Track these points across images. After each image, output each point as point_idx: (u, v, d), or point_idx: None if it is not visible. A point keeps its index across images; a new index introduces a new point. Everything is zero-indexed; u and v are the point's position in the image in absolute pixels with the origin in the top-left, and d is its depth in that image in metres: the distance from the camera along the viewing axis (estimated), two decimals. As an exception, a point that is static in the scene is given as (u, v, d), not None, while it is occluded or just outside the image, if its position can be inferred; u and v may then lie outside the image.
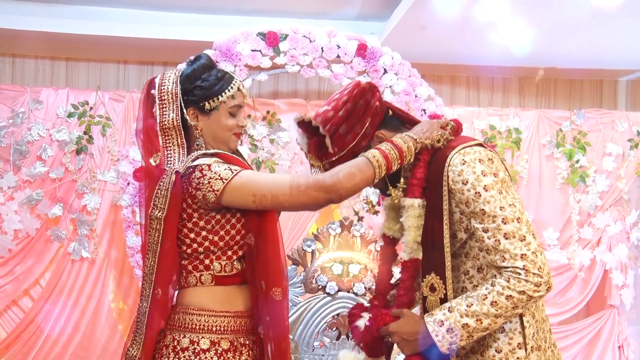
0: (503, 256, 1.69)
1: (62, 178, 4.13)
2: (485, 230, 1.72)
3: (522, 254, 1.67)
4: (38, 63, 4.49)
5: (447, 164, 1.78)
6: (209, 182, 1.77)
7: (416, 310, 1.94)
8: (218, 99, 1.89)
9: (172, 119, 1.87)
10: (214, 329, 1.82)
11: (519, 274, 1.67)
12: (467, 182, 1.74)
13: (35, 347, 4.05)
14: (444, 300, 1.78)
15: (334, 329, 3.68)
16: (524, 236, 1.69)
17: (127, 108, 4.22)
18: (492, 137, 4.39)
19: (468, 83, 4.74)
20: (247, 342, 1.87)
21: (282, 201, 1.78)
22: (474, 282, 1.80)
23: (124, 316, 4.24)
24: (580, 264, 4.45)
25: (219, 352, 1.81)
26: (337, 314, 3.67)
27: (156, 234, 1.83)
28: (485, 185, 1.73)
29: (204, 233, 1.83)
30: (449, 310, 1.72)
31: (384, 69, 3.90)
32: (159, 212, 1.82)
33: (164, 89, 1.90)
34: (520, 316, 1.77)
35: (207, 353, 1.80)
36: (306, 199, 1.77)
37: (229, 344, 1.83)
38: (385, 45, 3.94)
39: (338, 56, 3.88)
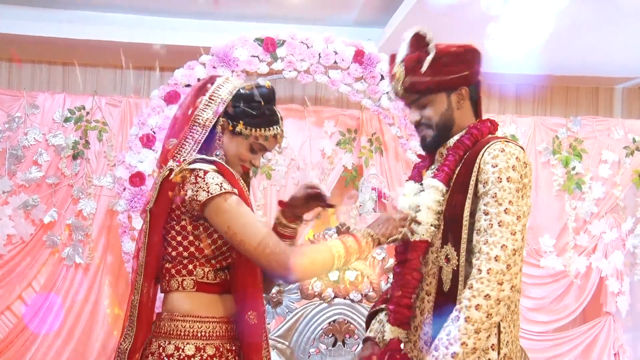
0: (487, 240, 1.74)
1: (58, 183, 4.12)
2: (486, 213, 1.77)
3: (503, 245, 1.72)
4: (35, 67, 4.48)
5: (487, 146, 1.84)
6: (197, 191, 1.78)
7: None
8: (250, 129, 1.91)
9: (207, 119, 1.89)
10: (199, 334, 1.81)
11: (480, 271, 1.71)
12: (496, 165, 1.79)
13: (29, 353, 4.03)
14: (456, 271, 1.82)
15: (330, 336, 3.67)
16: (515, 231, 1.74)
17: (123, 113, 4.21)
18: (488, 144, 4.39)
19: (464, 90, 4.74)
20: (234, 348, 1.86)
21: (246, 249, 1.77)
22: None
23: (119, 322, 4.21)
24: (576, 271, 4.46)
25: (204, 357, 1.80)
26: (334, 321, 3.66)
27: (146, 227, 1.86)
28: (509, 177, 1.78)
29: (190, 238, 1.83)
30: (435, 349, 1.73)
31: (381, 75, 3.91)
32: (149, 204, 1.85)
33: (218, 92, 1.92)
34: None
35: (192, 359, 1.79)
36: (264, 262, 1.77)
37: (214, 349, 1.82)
38: (382, 51, 3.94)
39: (335, 62, 3.88)
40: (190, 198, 1.78)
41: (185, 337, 1.81)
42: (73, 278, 4.11)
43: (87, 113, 4.17)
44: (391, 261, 3.60)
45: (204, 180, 1.78)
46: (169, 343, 1.81)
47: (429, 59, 1.88)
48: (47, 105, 4.16)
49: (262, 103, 1.93)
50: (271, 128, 1.94)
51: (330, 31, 3.95)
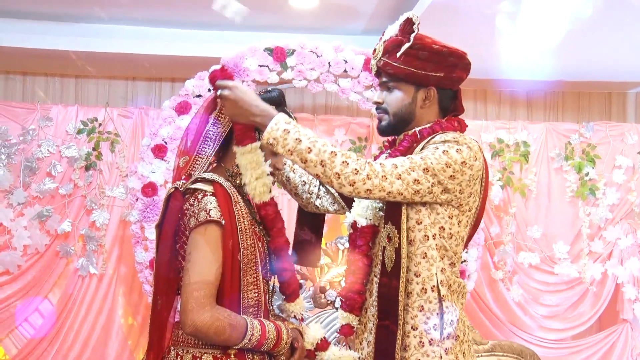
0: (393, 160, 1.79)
1: (71, 194, 4.15)
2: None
3: (394, 164, 1.76)
4: (48, 80, 4.53)
5: (442, 133, 1.86)
6: (190, 217, 1.78)
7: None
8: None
9: (218, 133, 1.89)
10: (217, 344, 1.80)
11: (365, 167, 1.73)
12: (443, 142, 1.81)
13: (46, 363, 4.06)
14: (398, 249, 1.81)
15: (342, 344, 3.66)
16: (414, 168, 1.76)
17: (135, 124, 4.25)
18: (500, 151, 4.38)
19: (475, 96, 4.73)
20: (254, 357, 1.85)
21: (183, 279, 1.76)
22: (424, 233, 1.84)
23: (133, 332, 4.23)
24: (592, 278, 4.41)
25: None
26: (346, 329, 3.64)
27: (156, 243, 1.87)
28: (446, 151, 1.79)
29: None
30: (295, 127, 1.75)
31: (391, 83, 3.90)
32: (158, 221, 1.87)
33: None
34: (440, 300, 1.80)
35: None
36: (184, 299, 1.73)
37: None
38: (392, 59, 3.94)
39: (345, 71, 3.89)
40: (187, 220, 1.80)
41: (203, 346, 1.80)
42: (87, 288, 4.14)
43: (100, 125, 4.21)
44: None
45: (199, 204, 1.77)
46: (187, 352, 1.81)
47: (405, 46, 1.88)
48: (60, 117, 4.21)
49: (274, 107, 1.92)
50: None
51: (339, 40, 3.96)
